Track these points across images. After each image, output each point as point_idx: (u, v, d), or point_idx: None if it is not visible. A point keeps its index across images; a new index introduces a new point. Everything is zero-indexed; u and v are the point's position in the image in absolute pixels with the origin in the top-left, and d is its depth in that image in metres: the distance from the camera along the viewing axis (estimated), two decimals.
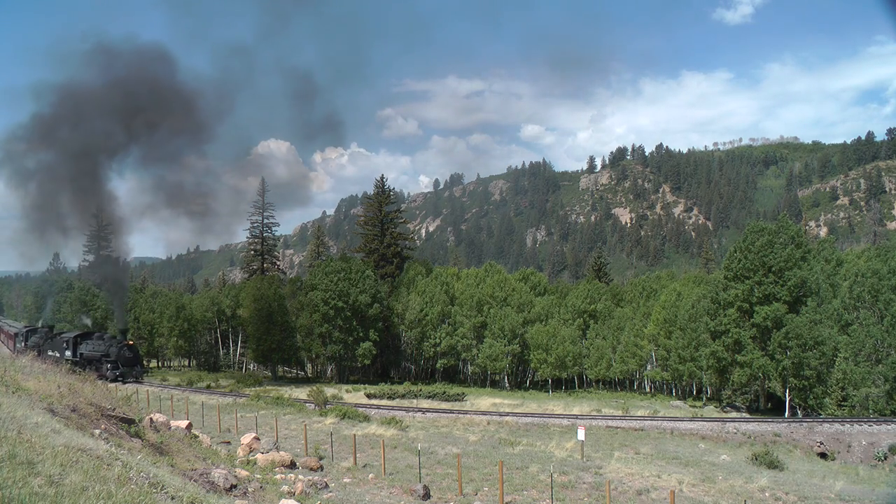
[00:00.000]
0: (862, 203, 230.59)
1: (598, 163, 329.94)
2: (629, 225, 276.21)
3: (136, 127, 62.62)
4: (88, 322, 73.99)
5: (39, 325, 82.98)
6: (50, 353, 55.41)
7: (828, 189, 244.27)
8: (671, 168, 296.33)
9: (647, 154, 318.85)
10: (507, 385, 65.56)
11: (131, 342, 55.14)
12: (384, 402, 45.38)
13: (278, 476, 15.03)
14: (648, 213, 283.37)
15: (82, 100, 61.40)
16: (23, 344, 62.12)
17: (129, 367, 50.72)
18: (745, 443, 29.85)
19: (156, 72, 68.69)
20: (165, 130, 66.97)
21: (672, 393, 59.97)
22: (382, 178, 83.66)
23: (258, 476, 13.89)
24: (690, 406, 49.57)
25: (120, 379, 47.25)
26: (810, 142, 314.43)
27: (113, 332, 63.83)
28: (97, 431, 10.55)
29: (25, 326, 75.72)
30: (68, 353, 53.89)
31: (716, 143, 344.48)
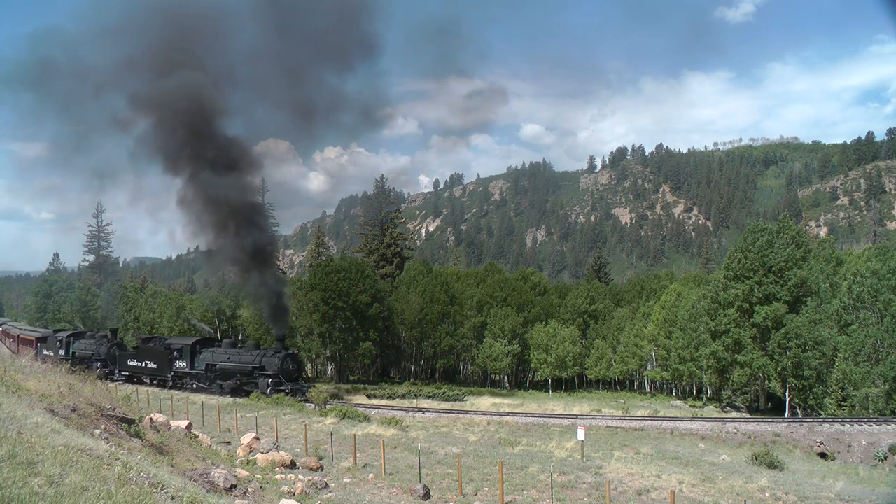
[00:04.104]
0: (862, 203, 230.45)
1: (598, 163, 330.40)
2: (629, 225, 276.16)
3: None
4: (206, 327, 62.45)
5: (79, 326, 71.63)
6: (133, 362, 47.59)
7: (828, 189, 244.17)
8: (671, 168, 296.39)
9: (647, 154, 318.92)
10: (507, 385, 65.59)
11: (295, 351, 44.72)
12: (384, 402, 45.28)
13: (278, 476, 15.04)
14: (648, 213, 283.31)
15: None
16: (61, 351, 51.48)
17: (293, 381, 39.58)
18: (745, 443, 29.84)
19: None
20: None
21: (672, 393, 59.98)
22: (382, 178, 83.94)
23: (258, 476, 13.89)
24: (690, 406, 49.61)
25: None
26: (810, 142, 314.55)
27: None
28: (97, 431, 10.55)
29: (57, 330, 62.53)
30: (180, 363, 44.09)
31: (716, 143, 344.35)
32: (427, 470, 18.90)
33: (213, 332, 59.90)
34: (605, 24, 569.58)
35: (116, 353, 50.28)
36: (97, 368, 48.78)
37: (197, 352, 43.85)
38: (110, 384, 41.82)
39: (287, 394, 37.74)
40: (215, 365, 42.25)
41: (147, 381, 46.53)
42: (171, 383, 44.68)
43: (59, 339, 54.79)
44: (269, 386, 38.93)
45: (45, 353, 49.61)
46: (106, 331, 56.30)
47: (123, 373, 48.81)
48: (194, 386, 43.09)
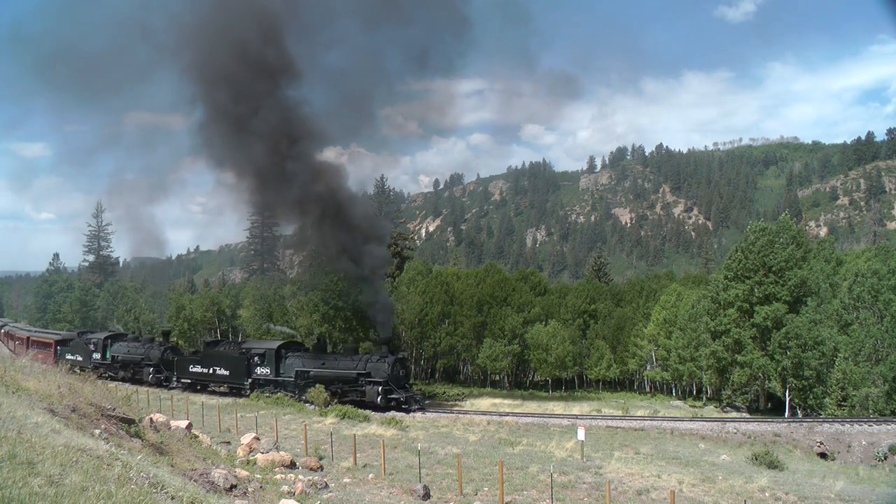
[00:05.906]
0: (862, 203, 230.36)
1: (598, 163, 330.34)
2: (629, 225, 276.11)
3: None
4: (288, 329, 56.59)
5: (116, 328, 66.03)
6: (197, 368, 42.71)
7: (828, 189, 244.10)
8: (671, 168, 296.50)
9: (647, 154, 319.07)
10: (506, 385, 65.57)
11: (402, 355, 40.03)
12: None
13: (278, 476, 15.04)
14: (648, 213, 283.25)
15: None
16: (95, 355, 47.56)
17: (402, 388, 35.50)
18: (745, 443, 29.84)
19: None
20: None
21: (672, 393, 59.97)
22: (382, 178, 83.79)
23: (258, 476, 13.90)
24: (690, 406, 49.63)
25: (404, 407, 34.28)
26: (810, 142, 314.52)
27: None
28: (97, 431, 10.55)
29: (83, 332, 55.97)
30: (262, 370, 39.27)
31: (716, 143, 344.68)
32: (427, 470, 18.90)
33: (295, 333, 53.26)
34: (604, 24, 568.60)
35: (172, 358, 45.51)
36: (149, 375, 45.46)
37: (282, 357, 38.83)
38: (172, 392, 39.93)
39: (402, 402, 34.52)
40: (307, 372, 37.32)
41: (215, 389, 42.19)
42: (248, 392, 39.62)
43: (91, 341, 49.99)
44: (378, 394, 34.48)
45: (68, 357, 45.55)
46: (137, 333, 53.19)
47: (183, 380, 43.87)
48: (273, 393, 38.10)
